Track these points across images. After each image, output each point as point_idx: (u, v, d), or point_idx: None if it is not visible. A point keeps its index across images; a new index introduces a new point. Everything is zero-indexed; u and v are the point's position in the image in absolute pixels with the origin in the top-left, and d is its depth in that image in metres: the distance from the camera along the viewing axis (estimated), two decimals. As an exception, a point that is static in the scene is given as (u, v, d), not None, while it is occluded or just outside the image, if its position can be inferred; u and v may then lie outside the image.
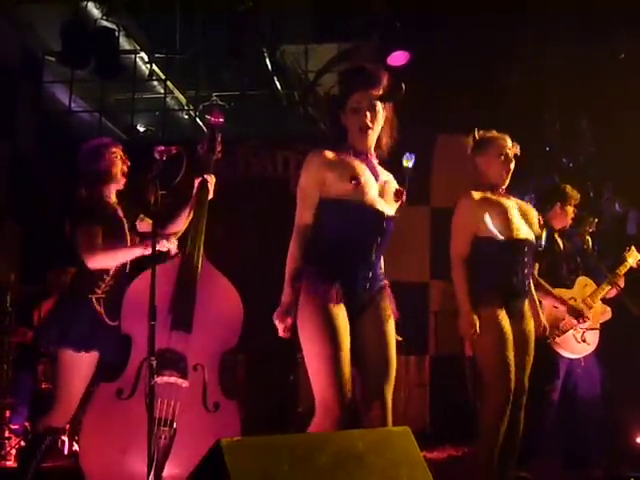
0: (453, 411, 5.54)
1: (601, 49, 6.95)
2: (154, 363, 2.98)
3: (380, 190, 3.10)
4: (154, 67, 8.36)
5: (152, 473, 2.91)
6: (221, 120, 3.93)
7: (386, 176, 3.20)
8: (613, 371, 5.69)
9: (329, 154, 3.07)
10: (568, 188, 5.25)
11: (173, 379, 3.46)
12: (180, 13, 7.96)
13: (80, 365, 3.63)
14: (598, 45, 6.92)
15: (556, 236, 5.16)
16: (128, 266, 3.81)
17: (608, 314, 5.06)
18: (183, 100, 8.95)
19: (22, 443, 5.13)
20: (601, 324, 4.98)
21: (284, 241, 6.58)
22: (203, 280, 3.67)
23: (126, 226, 3.85)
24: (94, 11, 7.68)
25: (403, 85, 3.08)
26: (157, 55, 8.37)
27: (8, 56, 7.50)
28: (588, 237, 5.21)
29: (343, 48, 8.06)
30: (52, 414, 3.66)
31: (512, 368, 3.65)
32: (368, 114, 3.06)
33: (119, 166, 3.87)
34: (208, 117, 3.99)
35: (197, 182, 3.83)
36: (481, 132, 4.07)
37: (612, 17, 6.64)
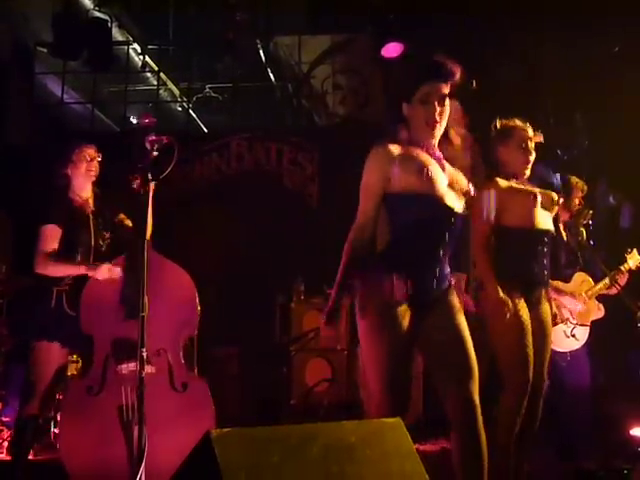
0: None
1: (595, 42, 6.93)
2: (145, 355, 2.99)
3: (449, 184, 2.99)
4: (147, 58, 8.33)
5: (143, 462, 2.90)
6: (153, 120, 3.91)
7: (454, 170, 3.07)
8: (606, 365, 5.70)
9: (394, 147, 2.94)
10: (573, 179, 5.22)
11: (134, 365, 3.46)
12: (173, 4, 7.93)
13: (47, 354, 3.74)
14: (592, 38, 6.91)
15: (561, 228, 5.14)
16: (91, 259, 3.89)
17: (601, 312, 5.04)
18: (176, 92, 8.92)
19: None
20: (592, 321, 4.96)
21: (278, 234, 6.60)
22: (152, 269, 3.60)
23: (92, 224, 3.93)
24: (86, 2, 7.64)
25: (474, 82, 3.00)
26: (150, 46, 8.33)
27: (0, 47, 7.45)
28: (583, 229, 5.20)
29: (337, 40, 8.03)
30: (31, 403, 3.77)
31: (531, 359, 3.62)
32: (438, 107, 2.93)
33: (85, 166, 3.94)
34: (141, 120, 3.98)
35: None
36: (502, 121, 4.01)
37: (606, 10, 6.63)
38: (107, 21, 7.58)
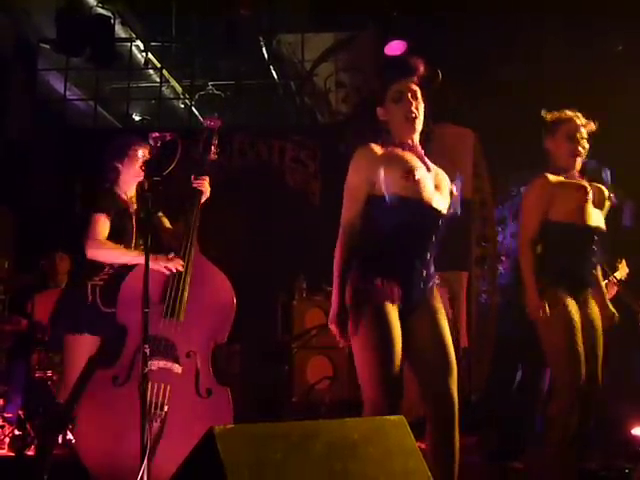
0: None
1: (598, 41, 6.93)
2: (147, 351, 3.00)
3: (435, 185, 3.01)
4: (150, 56, 8.33)
5: (145, 458, 2.90)
6: (218, 123, 3.95)
7: (437, 169, 3.10)
8: (607, 365, 5.69)
9: (378, 148, 2.97)
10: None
11: (163, 364, 3.56)
12: (176, 1, 7.92)
13: (80, 348, 3.75)
14: (595, 37, 6.91)
15: None
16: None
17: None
18: (179, 89, 8.91)
19: (16, 432, 5.14)
20: None
21: (280, 232, 6.60)
22: (196, 272, 3.77)
23: (134, 223, 3.91)
24: (90, -2, 7.64)
25: (439, 71, 3.02)
26: (153, 44, 8.33)
27: (2, 43, 7.45)
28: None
29: (340, 38, 8.03)
30: (60, 394, 3.80)
31: (582, 358, 3.54)
32: (412, 102, 2.97)
33: (139, 164, 3.91)
34: (205, 121, 4.03)
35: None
36: (551, 113, 3.91)
37: (609, 10, 6.63)
38: (110, 18, 7.58)
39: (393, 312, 2.87)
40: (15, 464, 4.70)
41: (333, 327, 2.93)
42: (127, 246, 3.86)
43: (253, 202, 6.78)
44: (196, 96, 8.54)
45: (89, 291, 3.75)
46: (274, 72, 8.48)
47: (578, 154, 3.81)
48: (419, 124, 3.01)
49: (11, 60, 7.63)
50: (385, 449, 2.30)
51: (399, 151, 2.98)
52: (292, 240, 6.59)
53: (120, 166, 3.90)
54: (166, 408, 3.50)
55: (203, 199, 3.90)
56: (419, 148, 3.04)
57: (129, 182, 3.95)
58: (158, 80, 8.41)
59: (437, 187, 3.02)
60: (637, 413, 5.22)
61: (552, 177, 3.76)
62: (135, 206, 3.97)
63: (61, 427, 4.16)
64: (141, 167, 3.71)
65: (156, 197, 3.93)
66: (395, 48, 7.00)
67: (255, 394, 6.06)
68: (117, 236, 3.83)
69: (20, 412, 5.47)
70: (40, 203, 7.01)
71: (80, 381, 3.73)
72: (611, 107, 6.90)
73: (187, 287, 3.69)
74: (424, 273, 2.96)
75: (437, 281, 3.07)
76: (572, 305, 3.62)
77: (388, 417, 2.46)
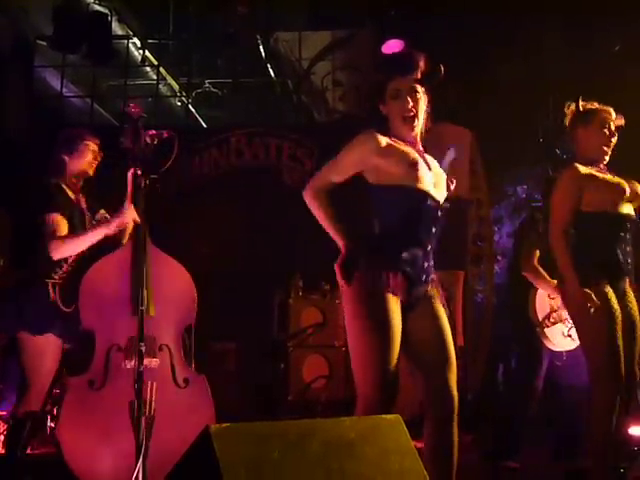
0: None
1: (596, 40, 6.93)
2: (143, 348, 2.98)
3: (435, 178, 3.02)
4: (147, 53, 8.30)
5: (141, 457, 2.89)
6: (139, 111, 3.87)
7: (436, 163, 3.11)
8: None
9: (382, 139, 2.94)
10: None
11: (147, 361, 3.46)
12: (173, -1, 7.92)
13: (41, 348, 3.70)
14: (593, 36, 6.91)
15: None
16: (87, 252, 3.82)
17: None
18: (176, 87, 8.89)
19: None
20: None
21: (276, 230, 6.59)
22: (153, 265, 3.70)
23: (87, 217, 3.89)
24: (86, -5, 7.62)
25: (442, 67, 3.00)
26: (150, 41, 8.31)
27: (-1, 40, 7.43)
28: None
29: (337, 36, 8.02)
30: (26, 398, 3.73)
31: (622, 351, 3.49)
32: (409, 100, 2.95)
33: (88, 158, 3.89)
34: (128, 109, 3.94)
35: (129, 175, 3.70)
36: (583, 102, 3.88)
37: (607, 9, 6.63)
38: (107, 15, 7.56)
39: (395, 304, 2.86)
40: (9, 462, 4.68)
41: (340, 271, 2.92)
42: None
43: (250, 200, 6.77)
44: (193, 94, 8.52)
45: (49, 290, 3.71)
46: (271, 70, 8.47)
47: (609, 145, 3.80)
48: (418, 122, 3.00)
49: (8, 57, 7.60)
50: (381, 448, 2.29)
51: (401, 144, 2.97)
52: (289, 239, 6.58)
53: (67, 158, 3.84)
54: (154, 405, 3.45)
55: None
56: (419, 145, 3.04)
57: (76, 175, 3.88)
58: (155, 78, 8.39)
59: (436, 185, 3.03)
60: (633, 412, 5.22)
61: (582, 168, 3.72)
62: (84, 200, 3.92)
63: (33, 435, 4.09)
64: (137, 166, 3.59)
65: (90, 193, 3.94)
66: (393, 47, 7.00)
67: (251, 393, 6.06)
68: (73, 231, 3.78)
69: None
70: (34, 195, 6.98)
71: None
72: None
73: (151, 280, 3.62)
74: (425, 265, 2.95)
75: (435, 275, 3.07)
76: (612, 296, 3.56)
77: (384, 416, 2.45)
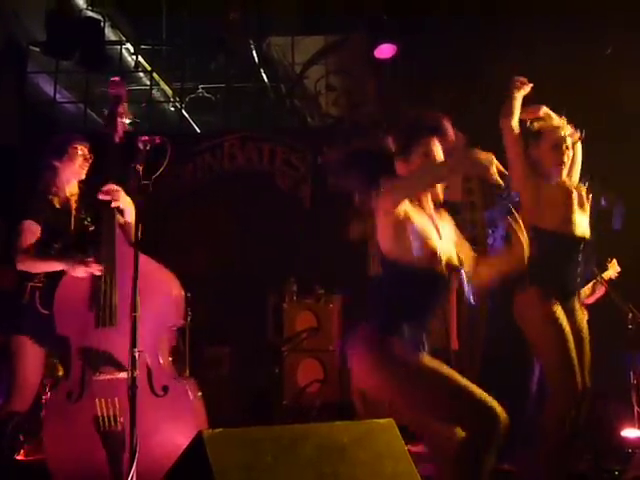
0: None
1: (588, 45, 6.95)
2: (137, 355, 2.96)
3: (447, 245, 2.97)
4: (140, 58, 8.30)
5: (134, 465, 2.87)
6: (122, 89, 3.87)
7: (451, 230, 3.08)
8: (597, 366, 5.70)
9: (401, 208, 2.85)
10: None
11: (110, 376, 3.46)
12: (166, 4, 7.91)
13: (24, 350, 3.71)
14: (585, 41, 6.93)
15: None
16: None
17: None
18: (169, 92, 8.89)
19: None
20: None
21: (270, 235, 6.59)
22: (120, 269, 3.60)
23: (73, 221, 3.88)
24: (79, 1, 7.61)
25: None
26: (143, 46, 8.30)
27: (-8, 46, 7.42)
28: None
29: (330, 40, 8.03)
30: (12, 399, 3.75)
31: (576, 366, 3.55)
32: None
33: (78, 162, 3.90)
34: (109, 88, 3.92)
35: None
36: (537, 121, 3.88)
37: (599, 13, 6.65)
38: (100, 21, 7.56)
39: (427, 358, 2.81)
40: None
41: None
42: (66, 246, 3.80)
43: (244, 205, 6.77)
44: (186, 99, 8.52)
45: (27, 292, 3.73)
46: (264, 75, 8.47)
47: (563, 163, 3.77)
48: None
49: (0, 63, 7.59)
50: (375, 452, 2.30)
51: (415, 211, 2.91)
52: (283, 243, 6.58)
53: (59, 165, 3.86)
54: (121, 419, 3.39)
55: (115, 204, 3.69)
56: (431, 207, 3.01)
57: (70, 180, 3.91)
58: (148, 83, 8.38)
59: (449, 251, 2.97)
60: (626, 414, 5.24)
61: (537, 184, 3.75)
62: (75, 205, 3.93)
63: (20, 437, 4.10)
64: (136, 168, 3.59)
65: (80, 200, 3.93)
66: (385, 51, 7.01)
67: (245, 397, 6.05)
68: (55, 237, 3.79)
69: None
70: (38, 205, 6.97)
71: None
72: (601, 110, 6.93)
73: (116, 291, 3.55)
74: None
75: None
76: (561, 313, 3.62)
77: (377, 420, 2.46)
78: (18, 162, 7.23)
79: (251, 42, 8.03)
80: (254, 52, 8.13)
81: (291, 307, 6.05)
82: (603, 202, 7.59)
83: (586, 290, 4.98)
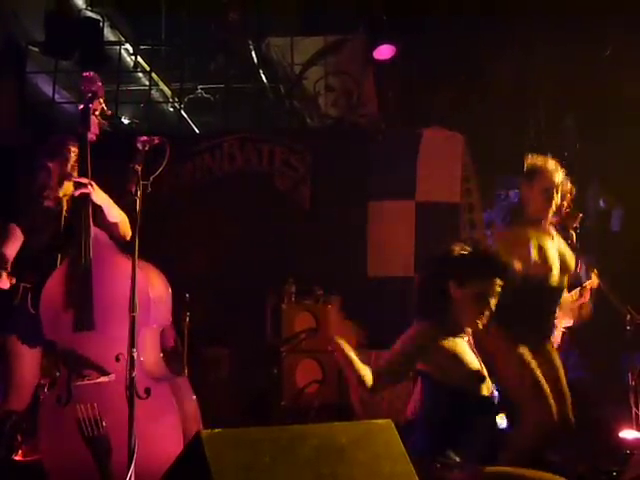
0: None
1: (587, 45, 6.96)
2: (135, 355, 2.96)
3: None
4: (139, 59, 8.30)
5: (132, 465, 2.87)
6: (96, 84, 3.89)
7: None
8: (595, 367, 5.71)
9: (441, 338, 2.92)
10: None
11: (90, 381, 3.43)
12: (165, 5, 7.91)
13: (19, 349, 3.72)
14: (584, 40, 6.94)
15: None
16: (59, 261, 3.79)
17: (571, 320, 5.05)
18: (168, 92, 8.89)
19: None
20: (567, 327, 4.96)
21: (269, 235, 6.59)
22: (97, 269, 3.56)
23: (62, 223, 3.86)
24: (78, 1, 7.61)
25: None
26: (142, 47, 8.30)
27: (-9, 46, 7.42)
28: (572, 232, 5.21)
29: (329, 41, 8.03)
30: (9, 399, 3.77)
31: (546, 395, 3.58)
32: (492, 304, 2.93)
33: (72, 162, 3.91)
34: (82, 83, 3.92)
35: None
36: (531, 160, 3.89)
37: (598, 14, 6.66)
38: (99, 21, 7.56)
39: None
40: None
41: None
42: (58, 246, 3.79)
43: (242, 206, 6.77)
44: (185, 99, 8.52)
45: (20, 293, 3.73)
46: (263, 76, 8.47)
47: (548, 209, 3.82)
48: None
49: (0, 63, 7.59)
50: (373, 453, 2.30)
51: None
52: (281, 244, 6.58)
53: (51, 166, 3.87)
54: (104, 423, 3.38)
55: (86, 191, 3.65)
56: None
57: (61, 182, 3.90)
58: (147, 83, 8.39)
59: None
60: (624, 415, 5.24)
61: (518, 228, 3.81)
62: (66, 206, 3.91)
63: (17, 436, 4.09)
64: (135, 169, 3.55)
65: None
66: (384, 52, 7.02)
67: (244, 398, 6.05)
68: (45, 237, 3.80)
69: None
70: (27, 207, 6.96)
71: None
72: (600, 111, 6.94)
73: (92, 293, 3.49)
74: None
75: None
76: (530, 356, 3.65)
77: (376, 421, 2.46)
78: (17, 162, 7.22)
79: (250, 43, 8.03)
80: (253, 53, 8.13)
81: (290, 308, 6.04)
82: (602, 204, 7.63)
83: (573, 295, 4.98)
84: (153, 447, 3.15)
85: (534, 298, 3.69)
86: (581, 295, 4.97)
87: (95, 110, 3.80)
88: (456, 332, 2.93)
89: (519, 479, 2.71)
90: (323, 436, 2.26)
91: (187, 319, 5.27)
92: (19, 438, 4.93)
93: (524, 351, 3.64)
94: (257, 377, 6.07)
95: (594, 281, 5.07)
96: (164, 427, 3.38)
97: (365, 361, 2.90)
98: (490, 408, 2.90)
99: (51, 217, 3.87)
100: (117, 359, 3.42)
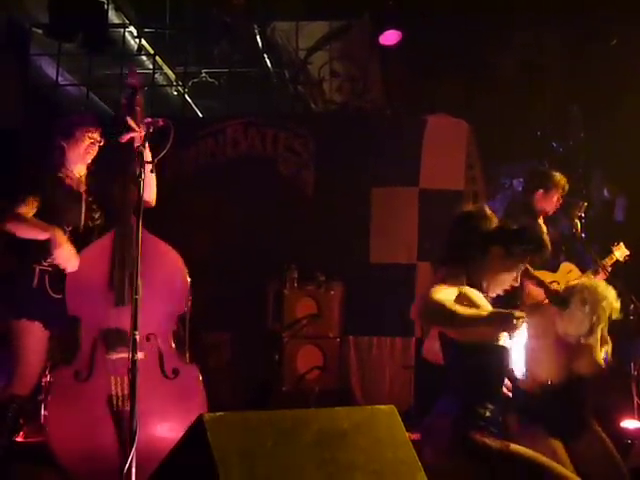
0: (438, 393, 5.48)
1: (593, 35, 6.93)
2: (137, 337, 2.96)
3: None
4: (143, 42, 8.25)
5: (134, 447, 2.86)
6: (136, 80, 3.86)
7: None
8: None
9: None
10: (556, 176, 5.21)
11: (124, 355, 3.42)
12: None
13: (29, 334, 3.69)
14: (590, 31, 6.91)
15: (540, 220, 5.15)
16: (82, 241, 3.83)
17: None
18: (172, 76, 8.84)
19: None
20: None
21: (272, 221, 6.58)
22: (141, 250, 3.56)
23: (83, 203, 3.86)
24: (82, -17, 7.55)
25: None
26: (146, 30, 8.26)
27: (-6, 28, 7.39)
28: (577, 221, 5.20)
29: (335, 26, 7.98)
30: (13, 382, 3.75)
31: None
32: None
33: (85, 145, 3.90)
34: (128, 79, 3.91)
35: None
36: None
37: (605, 3, 6.63)
38: (103, 3, 7.50)
39: None
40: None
41: None
42: (76, 227, 3.80)
43: (245, 191, 6.74)
44: (189, 83, 8.48)
45: (36, 276, 3.70)
46: (268, 60, 8.42)
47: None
48: None
49: (3, 45, 7.55)
50: (375, 438, 2.30)
51: None
52: (284, 229, 6.56)
53: (65, 145, 3.86)
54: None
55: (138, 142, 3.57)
56: None
57: (77, 162, 3.91)
58: (151, 67, 8.34)
59: None
60: (626, 405, 5.24)
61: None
62: (85, 186, 3.92)
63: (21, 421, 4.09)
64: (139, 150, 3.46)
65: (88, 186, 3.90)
66: (390, 38, 6.98)
67: (245, 383, 6.05)
68: (63, 216, 3.78)
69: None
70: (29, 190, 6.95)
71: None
72: (605, 101, 6.91)
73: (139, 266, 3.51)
74: None
75: None
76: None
77: (378, 407, 2.45)
78: (21, 145, 7.20)
79: (255, 27, 7.97)
80: (258, 37, 8.08)
81: (292, 294, 6.04)
82: (606, 193, 7.61)
83: (589, 275, 4.99)
84: (176, 426, 3.19)
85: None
86: (596, 273, 4.98)
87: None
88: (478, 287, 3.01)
89: (537, 466, 2.72)
90: (325, 421, 2.26)
91: (189, 304, 5.26)
92: (21, 421, 4.95)
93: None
94: (258, 363, 6.07)
95: (621, 253, 5.06)
96: (190, 407, 3.44)
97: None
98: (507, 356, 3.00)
99: (71, 195, 3.85)
100: (148, 339, 3.55)
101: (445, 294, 2.81)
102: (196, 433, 2.04)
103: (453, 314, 2.73)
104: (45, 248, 3.69)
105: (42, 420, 4.88)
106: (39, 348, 3.74)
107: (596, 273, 4.99)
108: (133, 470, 2.80)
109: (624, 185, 7.36)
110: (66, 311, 3.62)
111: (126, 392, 3.42)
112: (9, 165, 7.05)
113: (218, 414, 2.09)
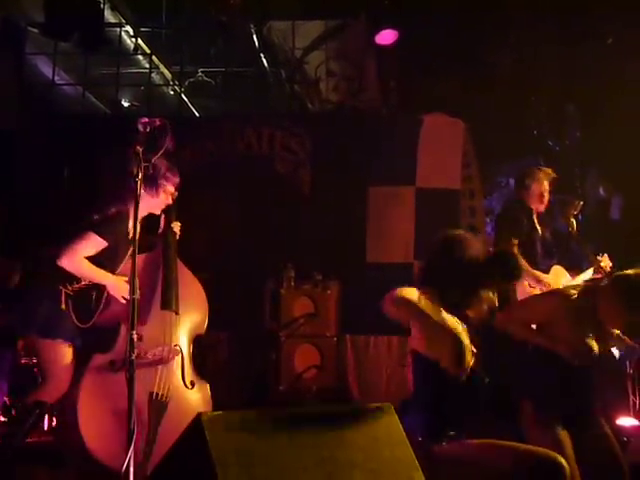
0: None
1: (589, 34, 6.94)
2: (135, 337, 2.98)
3: None
4: (139, 41, 8.25)
5: (131, 449, 2.86)
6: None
7: None
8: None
9: None
10: (536, 172, 5.23)
11: (160, 351, 3.81)
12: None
13: (54, 351, 3.79)
14: (586, 30, 6.92)
15: (534, 219, 5.16)
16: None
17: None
18: (168, 75, 8.84)
19: (1, 418, 5.13)
20: None
21: (269, 220, 6.58)
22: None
23: (128, 249, 3.90)
24: (78, -18, 7.54)
25: None
26: (143, 29, 8.25)
27: (-10, 27, 7.37)
28: (573, 220, 5.21)
29: (331, 25, 7.99)
30: (42, 390, 3.86)
31: None
32: None
33: (161, 199, 4.22)
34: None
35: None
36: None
37: (601, 3, 6.64)
38: (99, 2, 7.50)
39: None
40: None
41: None
42: (112, 270, 3.89)
43: (242, 190, 6.74)
44: (186, 83, 8.48)
45: (63, 298, 3.77)
46: (264, 60, 8.42)
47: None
48: None
49: (-1, 43, 7.55)
50: (373, 437, 2.30)
51: None
52: (281, 228, 6.56)
53: (144, 193, 3.83)
54: (167, 400, 3.74)
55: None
56: None
57: (146, 209, 4.04)
58: (147, 66, 8.34)
59: None
60: (622, 403, 5.26)
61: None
62: (140, 232, 3.93)
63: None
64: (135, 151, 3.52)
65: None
66: (386, 37, 6.98)
67: (242, 382, 6.06)
68: (107, 259, 3.86)
69: (6, 399, 5.45)
70: (26, 190, 6.95)
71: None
72: (601, 100, 6.92)
73: (179, 283, 4.02)
74: None
75: None
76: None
77: (376, 405, 2.46)
78: (16, 145, 7.19)
79: (251, 26, 7.98)
80: (254, 36, 8.08)
81: (289, 293, 6.04)
82: (602, 192, 7.63)
83: (586, 277, 5.00)
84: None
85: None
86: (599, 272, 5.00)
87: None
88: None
89: (507, 449, 2.71)
90: (323, 420, 2.26)
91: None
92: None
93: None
94: (255, 361, 6.08)
95: (606, 265, 5.08)
96: None
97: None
98: (476, 381, 2.90)
99: (123, 239, 3.91)
100: (175, 350, 3.94)
101: (412, 291, 2.89)
102: (194, 432, 2.05)
103: (412, 302, 2.84)
104: (73, 276, 3.81)
105: (47, 422, 4.97)
106: (65, 361, 3.81)
107: (597, 272, 5.01)
108: (131, 470, 2.80)
109: (620, 184, 7.38)
110: (88, 334, 3.83)
111: (163, 392, 3.74)
112: (5, 165, 7.05)
113: (216, 413, 2.10)
